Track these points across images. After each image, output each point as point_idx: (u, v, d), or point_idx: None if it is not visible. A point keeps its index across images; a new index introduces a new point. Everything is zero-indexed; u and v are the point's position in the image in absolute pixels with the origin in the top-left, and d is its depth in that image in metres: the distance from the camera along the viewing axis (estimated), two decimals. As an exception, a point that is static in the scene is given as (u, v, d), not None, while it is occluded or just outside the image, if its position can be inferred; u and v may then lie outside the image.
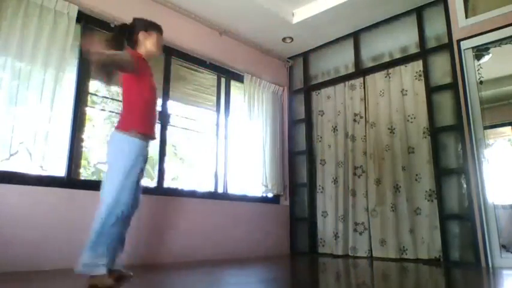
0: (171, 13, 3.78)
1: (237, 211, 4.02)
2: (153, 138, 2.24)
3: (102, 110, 3.60)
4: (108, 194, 2.01)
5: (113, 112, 3.98)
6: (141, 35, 2.25)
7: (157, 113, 2.30)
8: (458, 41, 3.38)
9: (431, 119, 3.58)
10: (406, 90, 3.91)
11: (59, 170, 2.91)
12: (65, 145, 2.97)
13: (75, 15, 3.04)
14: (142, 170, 2.14)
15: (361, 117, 4.23)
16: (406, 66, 3.95)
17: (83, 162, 3.42)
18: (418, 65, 3.83)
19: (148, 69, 2.25)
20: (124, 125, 2.11)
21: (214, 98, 4.25)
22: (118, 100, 3.85)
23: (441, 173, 3.46)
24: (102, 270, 1.92)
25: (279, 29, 4.30)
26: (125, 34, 2.28)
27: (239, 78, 4.45)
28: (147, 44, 2.26)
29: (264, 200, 4.45)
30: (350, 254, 4.01)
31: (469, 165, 3.20)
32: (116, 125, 2.18)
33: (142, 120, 2.14)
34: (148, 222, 3.25)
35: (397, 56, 4.00)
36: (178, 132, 4.14)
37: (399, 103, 3.93)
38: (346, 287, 2.30)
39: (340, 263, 3.45)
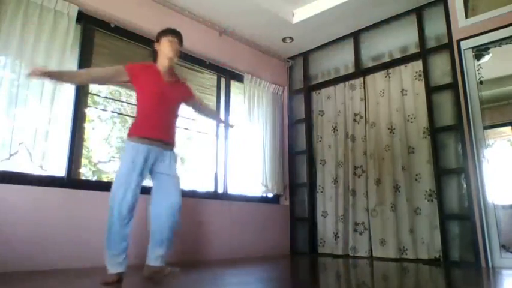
0: (171, 13, 3.78)
1: (237, 211, 4.01)
2: (155, 139, 2.24)
3: (103, 110, 3.61)
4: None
5: (114, 112, 3.98)
6: (156, 46, 2.41)
7: (166, 117, 2.35)
8: (458, 41, 3.38)
9: (431, 119, 3.58)
10: (406, 90, 3.91)
11: (59, 170, 2.92)
12: (65, 145, 2.97)
13: (75, 15, 3.05)
14: (143, 171, 2.19)
15: (361, 117, 4.23)
16: (406, 66, 3.95)
17: (84, 162, 3.42)
18: (418, 65, 3.83)
19: (152, 75, 2.32)
20: (129, 130, 2.27)
21: (214, 98, 4.25)
22: (120, 100, 3.85)
23: (441, 173, 3.46)
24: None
25: (279, 29, 4.30)
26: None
27: (239, 78, 4.45)
28: (161, 52, 2.37)
29: (264, 200, 4.45)
30: (350, 254, 4.01)
31: (469, 165, 3.20)
32: None
33: (141, 124, 2.26)
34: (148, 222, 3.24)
35: (397, 56, 4.00)
36: (179, 133, 4.14)
37: (399, 103, 3.93)
38: (346, 287, 2.30)
39: (340, 263, 3.45)
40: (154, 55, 2.45)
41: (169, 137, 2.35)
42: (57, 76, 2.23)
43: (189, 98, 2.54)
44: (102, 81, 2.51)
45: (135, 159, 2.15)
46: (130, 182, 2.13)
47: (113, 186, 2.14)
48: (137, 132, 2.22)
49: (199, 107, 2.73)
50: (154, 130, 2.25)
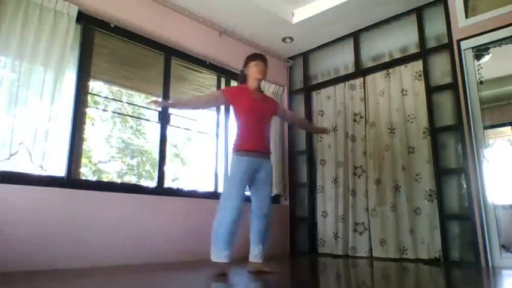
0: (171, 13, 3.78)
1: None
2: (256, 151, 2.63)
3: (104, 110, 3.61)
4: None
5: (115, 113, 3.98)
6: (245, 71, 2.82)
7: (262, 130, 2.72)
8: (458, 41, 3.38)
9: (431, 119, 3.58)
10: (406, 90, 3.91)
11: (59, 170, 2.92)
12: (65, 145, 2.97)
13: (75, 15, 3.04)
14: (244, 180, 2.59)
15: (361, 117, 4.23)
16: (406, 66, 3.95)
17: (84, 161, 3.43)
18: (418, 65, 3.83)
19: (244, 95, 2.71)
20: (234, 146, 2.66)
21: (214, 98, 4.25)
22: (120, 101, 3.85)
23: (441, 173, 3.46)
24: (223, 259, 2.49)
25: (279, 29, 4.30)
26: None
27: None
28: (249, 75, 2.79)
29: (264, 200, 4.44)
30: (350, 254, 4.01)
31: (469, 165, 3.20)
32: None
33: (243, 139, 2.65)
34: (149, 222, 3.25)
35: (397, 56, 4.00)
36: (179, 133, 4.14)
37: (399, 103, 3.93)
38: (346, 287, 2.30)
39: (340, 263, 3.45)
40: (243, 77, 2.87)
41: (267, 148, 2.74)
42: (174, 105, 2.95)
43: (277, 110, 2.92)
44: (204, 106, 3.20)
45: (242, 170, 2.56)
46: (240, 190, 2.54)
47: (224, 195, 2.60)
48: (242, 146, 2.61)
49: (288, 117, 3.20)
50: (255, 143, 2.64)
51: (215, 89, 4.28)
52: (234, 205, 2.51)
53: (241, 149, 2.61)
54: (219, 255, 2.49)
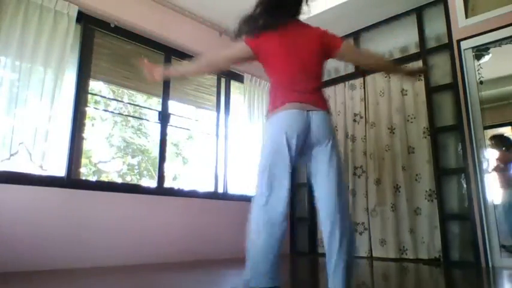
0: (170, 13, 3.78)
1: (237, 211, 4.01)
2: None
3: (105, 110, 3.61)
4: None
5: (115, 113, 3.98)
6: None
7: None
8: (458, 41, 3.38)
9: (431, 119, 3.58)
10: (406, 90, 3.91)
11: (59, 170, 2.92)
12: (65, 145, 2.97)
13: (75, 15, 3.05)
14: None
15: (361, 117, 4.22)
16: (406, 66, 3.95)
17: (84, 161, 3.43)
18: (418, 65, 3.82)
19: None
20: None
21: (214, 98, 4.25)
22: (121, 101, 3.85)
23: (441, 173, 3.46)
24: None
25: (279, 29, 4.28)
26: None
27: (239, 79, 4.45)
28: None
29: (264, 200, 4.44)
30: (350, 254, 4.00)
31: (469, 165, 3.20)
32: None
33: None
34: (149, 222, 3.25)
35: (397, 56, 4.00)
36: (179, 133, 4.15)
37: (399, 103, 3.93)
38: (346, 287, 2.29)
39: (340, 263, 3.44)
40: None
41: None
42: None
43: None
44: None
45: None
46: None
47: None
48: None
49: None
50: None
51: (215, 89, 4.28)
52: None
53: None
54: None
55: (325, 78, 4.62)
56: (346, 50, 1.78)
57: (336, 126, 4.44)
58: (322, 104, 1.66)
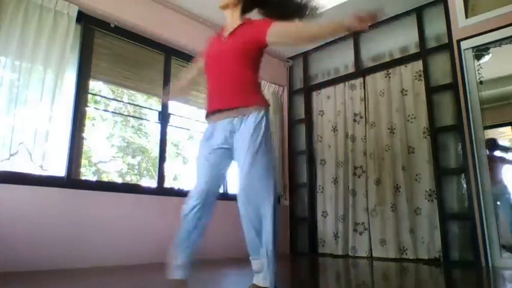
0: (170, 13, 3.78)
1: (237, 211, 4.00)
2: (215, 112, 1.81)
3: (105, 110, 3.61)
4: None
5: (115, 113, 3.98)
6: None
7: (226, 81, 1.81)
8: (458, 41, 3.38)
9: (431, 119, 3.58)
10: (406, 90, 3.91)
11: (59, 170, 2.92)
12: (65, 145, 2.97)
13: (75, 15, 3.05)
14: (207, 154, 1.84)
15: (361, 117, 4.22)
16: (406, 66, 3.95)
17: (84, 161, 3.43)
18: (418, 65, 3.83)
19: (211, 43, 2.00)
20: None
21: (214, 98, 4.24)
22: (121, 101, 3.85)
23: (441, 173, 3.46)
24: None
25: (279, 29, 4.28)
26: None
27: (239, 78, 4.44)
28: None
29: (264, 200, 4.44)
30: (350, 254, 4.01)
31: (469, 165, 3.20)
32: None
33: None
34: (149, 222, 3.25)
35: (397, 56, 4.00)
36: (179, 133, 4.15)
37: (399, 103, 3.93)
38: (346, 287, 2.30)
39: (340, 263, 3.45)
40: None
41: (237, 102, 1.86)
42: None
43: (258, 32, 1.91)
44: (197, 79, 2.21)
45: (201, 142, 2.01)
46: (199, 168, 2.07)
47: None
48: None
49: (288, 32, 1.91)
50: (212, 102, 1.94)
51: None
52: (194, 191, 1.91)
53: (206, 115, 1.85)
54: None
55: (325, 78, 4.63)
56: (273, 40, 1.83)
57: (336, 126, 4.44)
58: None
